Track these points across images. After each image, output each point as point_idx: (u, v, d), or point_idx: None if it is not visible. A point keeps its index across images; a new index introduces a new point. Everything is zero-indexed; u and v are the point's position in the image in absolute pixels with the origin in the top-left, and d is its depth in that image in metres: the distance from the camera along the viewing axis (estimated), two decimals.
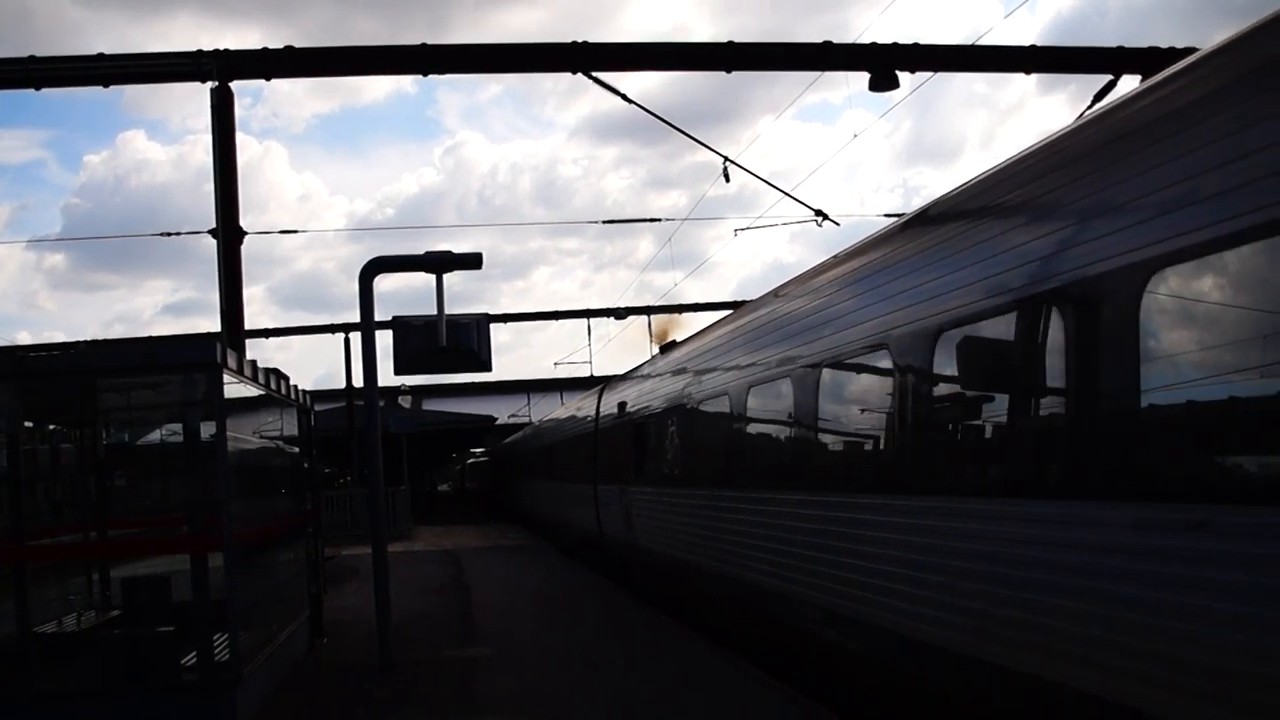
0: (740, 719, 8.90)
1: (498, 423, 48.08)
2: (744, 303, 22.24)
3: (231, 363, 9.42)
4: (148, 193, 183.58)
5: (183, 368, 9.55)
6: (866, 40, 17.41)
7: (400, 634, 12.38)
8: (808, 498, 9.27)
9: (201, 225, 17.07)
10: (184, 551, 9.72)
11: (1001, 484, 6.39)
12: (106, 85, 16.49)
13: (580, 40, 16.67)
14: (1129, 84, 15.75)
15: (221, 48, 15.85)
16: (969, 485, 6.75)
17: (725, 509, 11.77)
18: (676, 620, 13.85)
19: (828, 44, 17.29)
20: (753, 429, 11.27)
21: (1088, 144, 6.02)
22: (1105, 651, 5.19)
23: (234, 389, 9.65)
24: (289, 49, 16.22)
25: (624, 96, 16.90)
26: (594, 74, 16.57)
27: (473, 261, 12.07)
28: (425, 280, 12.06)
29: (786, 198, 19.19)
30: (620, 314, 39.35)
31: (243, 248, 15.91)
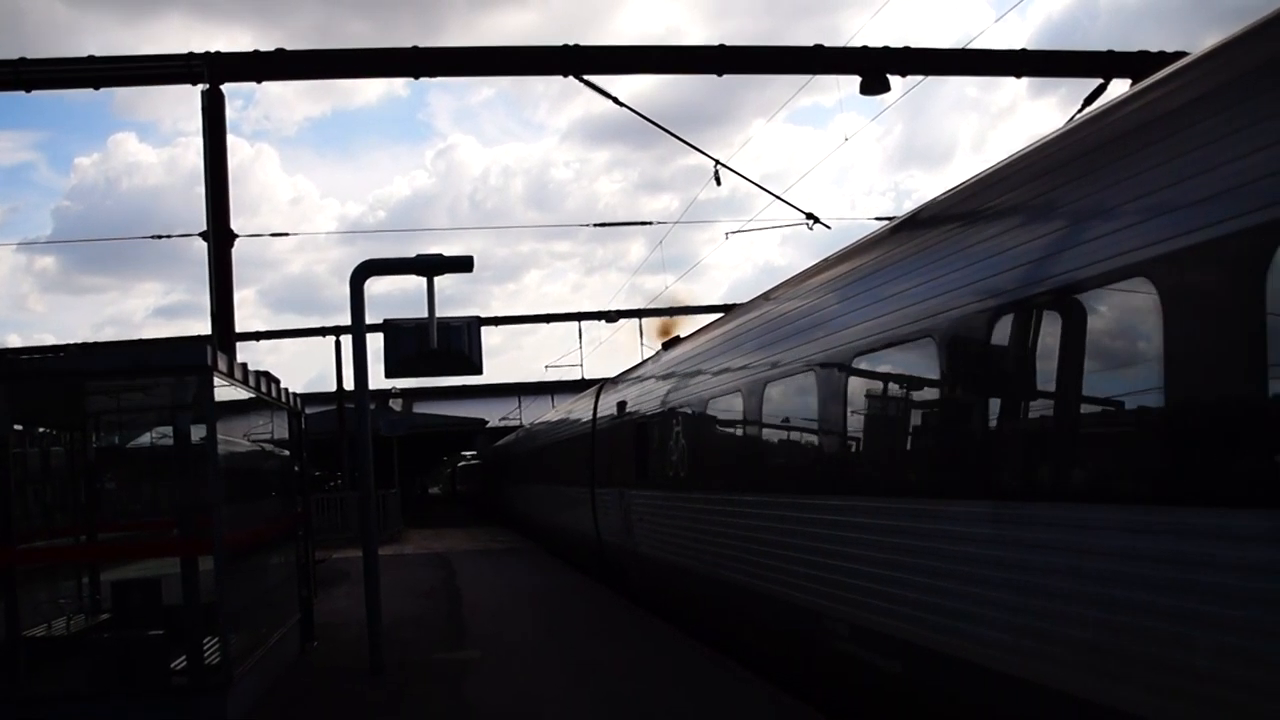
0: None
1: (489, 425, 48.07)
2: (732, 306, 22.30)
3: (222, 366, 9.42)
4: (139, 195, 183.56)
5: (173, 371, 9.56)
6: (858, 43, 17.43)
7: (391, 637, 12.37)
8: (852, 503, 8.21)
9: (193, 228, 17.20)
10: (174, 554, 9.71)
11: (1093, 488, 5.63)
12: (97, 87, 16.49)
13: (572, 43, 16.69)
14: (1119, 88, 15.81)
15: (212, 50, 15.87)
16: (1044, 488, 5.94)
17: (744, 515, 10.88)
18: (677, 629, 13.45)
19: (819, 47, 17.32)
20: (780, 427, 10.39)
21: (1068, 152, 6.09)
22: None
23: (224, 392, 9.65)
24: (280, 51, 16.22)
25: (615, 99, 16.94)
26: (585, 77, 16.60)
27: (464, 264, 12.08)
28: (416, 283, 12.01)
29: (778, 201, 19.24)
30: (611, 317, 39.33)
31: (234, 250, 15.92)
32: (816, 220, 19.59)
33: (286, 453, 13.86)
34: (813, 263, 10.68)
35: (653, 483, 15.14)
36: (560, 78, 16.93)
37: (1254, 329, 4.44)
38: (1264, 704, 4.35)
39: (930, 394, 7.27)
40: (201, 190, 15.94)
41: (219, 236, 15.64)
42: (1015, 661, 5.94)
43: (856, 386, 8.30)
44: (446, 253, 12.09)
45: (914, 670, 7.22)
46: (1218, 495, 4.60)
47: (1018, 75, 18.26)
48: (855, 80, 17.02)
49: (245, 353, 37.62)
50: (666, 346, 17.22)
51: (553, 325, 44.25)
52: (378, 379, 13.62)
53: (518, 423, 48.49)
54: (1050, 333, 5.90)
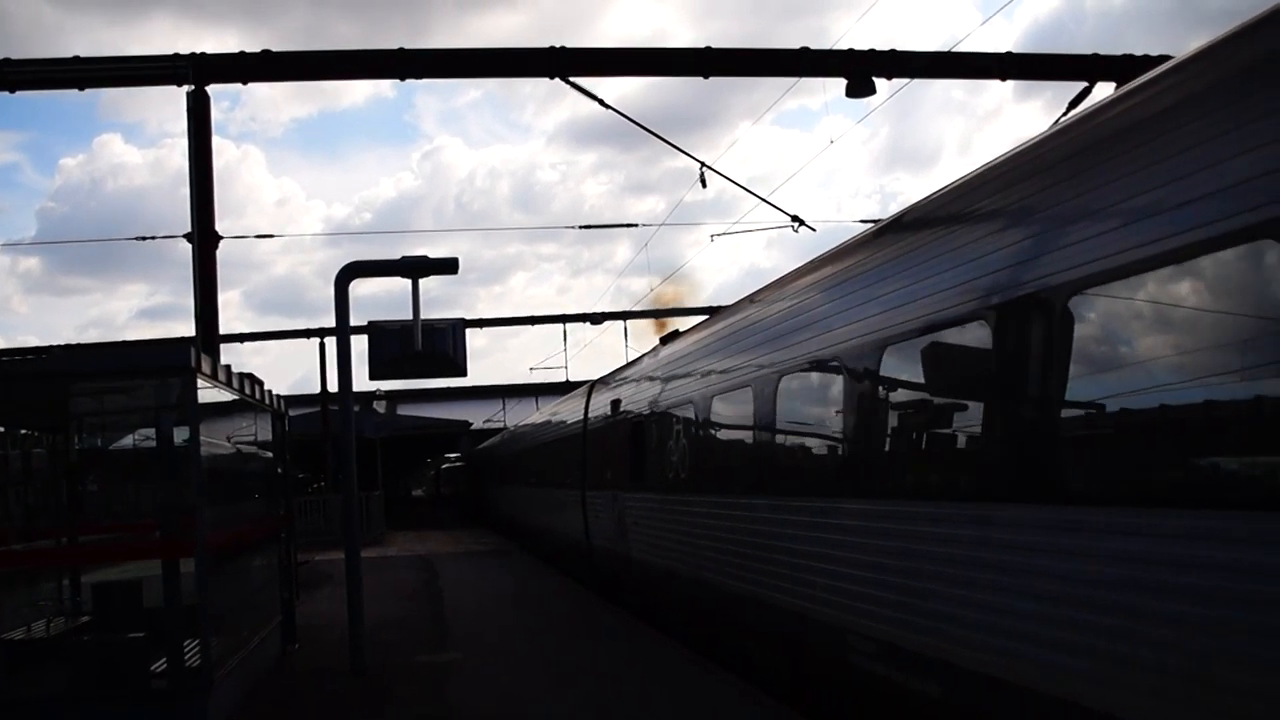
0: None
1: (473, 427, 48.02)
2: (718, 309, 22.24)
3: (206, 368, 9.39)
4: (124, 196, 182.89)
5: (157, 373, 9.53)
6: (844, 46, 17.46)
7: (373, 639, 12.35)
8: (882, 507, 7.39)
9: (178, 229, 17.06)
10: (156, 557, 9.67)
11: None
12: (82, 88, 16.40)
13: (558, 45, 16.65)
14: (1104, 91, 15.89)
15: (199, 51, 15.82)
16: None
17: (757, 520, 9.99)
18: (663, 634, 13.16)
19: (804, 50, 17.30)
20: (798, 425, 9.56)
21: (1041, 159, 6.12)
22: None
23: (208, 394, 9.62)
24: (266, 53, 16.17)
25: (601, 102, 16.94)
26: (572, 79, 16.58)
27: (449, 266, 12.08)
28: (402, 285, 11.99)
29: (763, 203, 19.26)
30: (596, 319, 39.34)
31: (219, 252, 15.86)
32: (802, 223, 19.62)
33: (270, 455, 13.83)
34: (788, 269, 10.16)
35: (651, 485, 14.33)
36: (547, 80, 16.90)
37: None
38: None
39: (981, 386, 6.38)
40: (187, 192, 15.88)
41: (203, 238, 15.58)
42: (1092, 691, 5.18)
43: (891, 379, 7.41)
44: (432, 254, 12.12)
45: (957, 695, 6.45)
46: None
47: (1003, 78, 18.24)
48: (841, 83, 17.04)
49: (229, 355, 37.55)
50: (665, 341, 16.32)
51: (538, 327, 44.06)
52: (362, 381, 13.62)
53: (502, 425, 48.47)
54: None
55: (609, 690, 10.12)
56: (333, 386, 29.89)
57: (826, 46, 17.32)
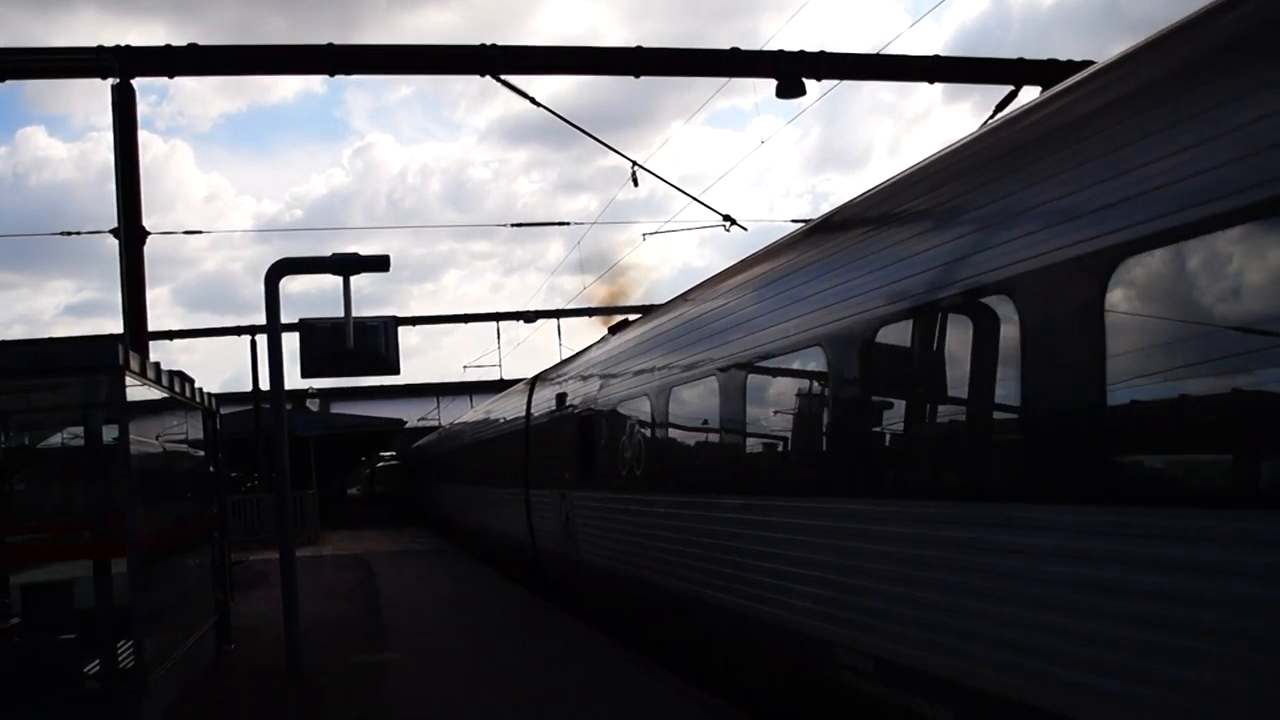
0: None
1: (407, 426, 47.77)
2: (652, 307, 22.24)
3: (134, 365, 9.30)
4: (49, 191, 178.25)
5: (84, 370, 9.42)
6: (774, 47, 17.60)
7: (310, 640, 12.28)
8: (881, 508, 6.74)
9: (105, 224, 16.71)
10: (86, 557, 9.58)
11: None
12: (3, 80, 16.08)
13: (490, 43, 16.63)
14: (1030, 94, 16.20)
15: (124, 44, 15.58)
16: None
17: (720, 521, 9.31)
18: (619, 642, 12.56)
19: (734, 50, 17.41)
20: (771, 418, 8.88)
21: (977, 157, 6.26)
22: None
23: (137, 392, 9.52)
24: (193, 46, 15.97)
25: (533, 100, 16.94)
26: (503, 77, 16.57)
27: (380, 264, 12.05)
28: (333, 282, 11.91)
29: (695, 202, 19.38)
30: (530, 317, 39.31)
31: (146, 248, 15.63)
32: (734, 222, 19.78)
33: (201, 453, 13.70)
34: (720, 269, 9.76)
35: (602, 483, 13.57)
36: (479, 77, 16.88)
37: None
38: None
39: (977, 371, 6.04)
40: (113, 187, 15.64)
41: (130, 234, 15.35)
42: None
43: (875, 363, 6.90)
44: (364, 252, 12.06)
45: (941, 704, 5.94)
46: None
47: (931, 81, 18.50)
48: (772, 84, 17.19)
49: (158, 352, 36.93)
50: (614, 331, 15.57)
51: (471, 325, 43.98)
52: (294, 379, 13.51)
53: (436, 423, 48.19)
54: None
55: (546, 690, 10.17)
56: (265, 384, 29.58)
57: (757, 47, 17.47)
